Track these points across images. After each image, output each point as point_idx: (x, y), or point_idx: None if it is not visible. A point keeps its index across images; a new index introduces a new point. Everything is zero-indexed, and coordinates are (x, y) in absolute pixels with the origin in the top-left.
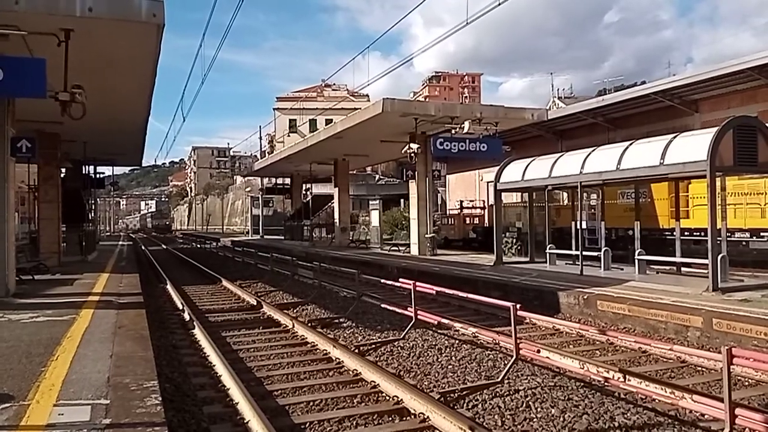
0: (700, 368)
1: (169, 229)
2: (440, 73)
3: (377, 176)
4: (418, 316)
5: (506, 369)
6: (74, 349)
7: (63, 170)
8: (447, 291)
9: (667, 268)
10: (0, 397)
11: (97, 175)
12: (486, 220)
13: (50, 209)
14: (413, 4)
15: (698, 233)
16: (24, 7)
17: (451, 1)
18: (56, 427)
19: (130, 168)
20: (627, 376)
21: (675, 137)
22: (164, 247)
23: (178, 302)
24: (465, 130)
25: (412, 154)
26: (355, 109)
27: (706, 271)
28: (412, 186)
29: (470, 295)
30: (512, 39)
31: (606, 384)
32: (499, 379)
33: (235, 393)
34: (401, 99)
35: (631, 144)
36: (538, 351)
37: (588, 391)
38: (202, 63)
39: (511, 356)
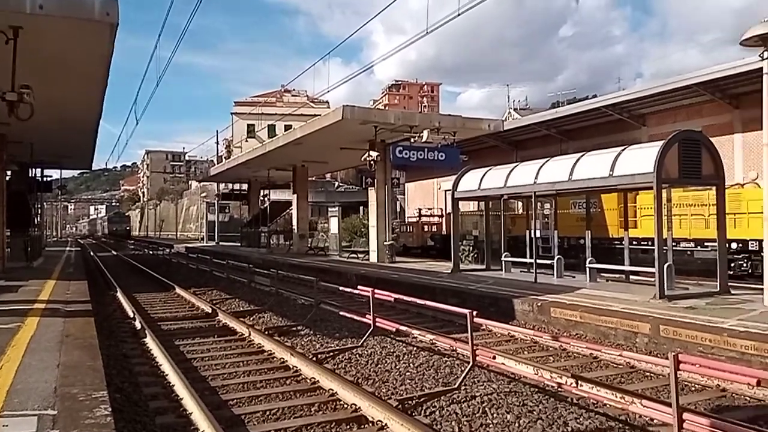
0: (648, 374)
1: (128, 234)
2: (400, 82)
3: (336, 183)
4: (377, 324)
5: (463, 375)
6: (19, 359)
7: (8, 173)
8: (405, 298)
9: (617, 276)
10: None
11: (44, 179)
12: (444, 228)
13: None
14: (374, 11)
15: (646, 242)
16: None
17: (412, 9)
18: None
19: (79, 171)
20: (579, 382)
21: (623, 150)
22: (114, 253)
23: (129, 310)
24: (424, 139)
25: (372, 162)
26: (315, 115)
27: (653, 280)
28: (372, 193)
29: (428, 303)
30: (472, 49)
31: (559, 389)
32: (456, 386)
33: (189, 403)
34: (361, 107)
35: (582, 156)
36: (494, 357)
37: (542, 396)
38: (157, 64)
39: (468, 363)
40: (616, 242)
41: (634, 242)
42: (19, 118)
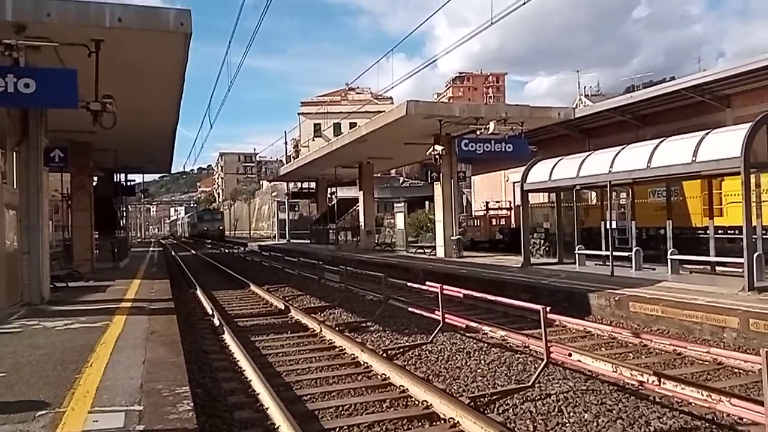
0: (737, 370)
1: (222, 235)
2: (464, 74)
3: (402, 179)
4: (446, 320)
5: (537, 373)
6: (108, 356)
7: (95, 179)
8: (474, 294)
9: (701, 267)
10: (36, 404)
11: (128, 183)
12: (512, 221)
13: (83, 217)
14: (437, 4)
15: (732, 231)
16: (55, 19)
17: (475, 1)
18: None
19: (159, 175)
20: (662, 380)
21: (707, 134)
22: (193, 252)
23: (208, 307)
24: (490, 131)
25: (437, 156)
26: (379, 112)
27: (741, 271)
28: (437, 188)
29: (498, 298)
30: (538, 37)
31: (640, 388)
32: (530, 383)
33: (265, 398)
34: (425, 101)
35: (661, 141)
36: (570, 354)
37: (622, 395)
38: (228, 70)
39: (542, 360)
40: (699, 232)
41: (720, 231)
42: (103, 126)
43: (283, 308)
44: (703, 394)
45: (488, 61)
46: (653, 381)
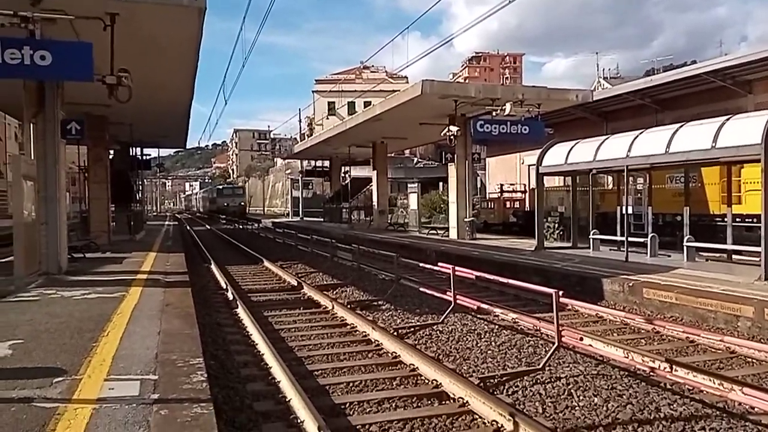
0: (750, 360)
1: (244, 212)
2: (480, 54)
3: (416, 159)
4: (457, 301)
5: (548, 356)
6: (124, 326)
7: (111, 152)
8: (487, 276)
9: (717, 255)
10: (53, 370)
11: (144, 157)
12: (527, 204)
13: (100, 190)
14: None
15: (751, 219)
16: None
17: None
18: (107, 401)
19: (174, 150)
20: (674, 367)
21: (728, 119)
22: (208, 227)
23: (222, 281)
24: (506, 112)
25: (452, 137)
26: (394, 91)
27: (758, 259)
28: (451, 169)
29: (510, 281)
30: (558, 16)
31: (651, 374)
32: (540, 366)
33: (277, 372)
34: (440, 80)
35: (681, 126)
36: (581, 339)
37: (633, 380)
38: (242, 46)
39: (553, 343)
40: (717, 219)
41: (738, 219)
42: (119, 100)
43: (296, 284)
44: (714, 383)
45: (506, 40)
46: (665, 368)
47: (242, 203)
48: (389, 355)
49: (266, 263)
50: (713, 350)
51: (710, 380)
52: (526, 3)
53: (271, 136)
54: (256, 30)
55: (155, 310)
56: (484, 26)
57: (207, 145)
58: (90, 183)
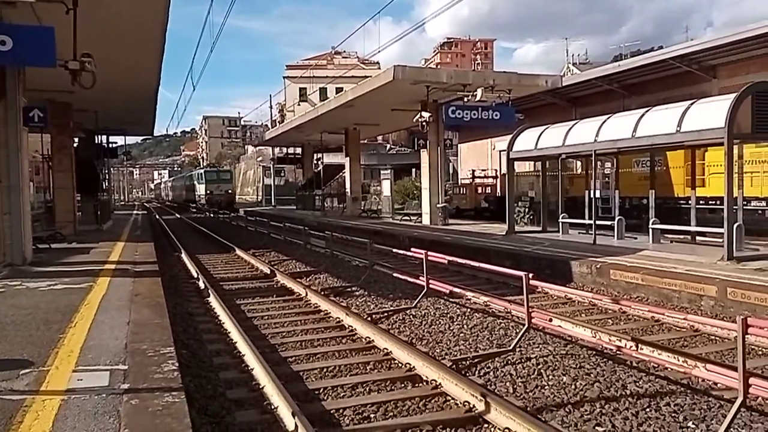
0: (713, 337)
1: (232, 201)
2: (452, 40)
3: (388, 146)
4: (430, 285)
5: (518, 337)
6: (92, 316)
7: (76, 140)
8: (459, 260)
9: (682, 237)
10: (20, 362)
11: (110, 145)
12: (498, 190)
13: (65, 179)
14: None
15: (714, 202)
16: None
17: None
18: (75, 392)
19: (142, 138)
20: (639, 345)
21: (692, 104)
22: (178, 216)
23: (193, 270)
24: (477, 98)
25: (424, 123)
26: (366, 76)
27: (721, 240)
28: (424, 155)
29: (482, 265)
30: (528, 2)
31: (618, 353)
32: (510, 347)
33: (250, 359)
34: (412, 66)
35: (647, 111)
36: (550, 320)
37: (600, 359)
38: (210, 30)
39: (523, 325)
40: (681, 202)
41: (701, 202)
42: (82, 86)
43: (268, 272)
44: (679, 360)
45: (477, 26)
46: (631, 346)
47: (230, 191)
48: (363, 340)
49: (238, 251)
50: (677, 329)
51: (674, 358)
52: None
53: (242, 122)
54: (224, 14)
55: (124, 300)
56: (456, 12)
57: (175, 133)
58: (54, 172)
